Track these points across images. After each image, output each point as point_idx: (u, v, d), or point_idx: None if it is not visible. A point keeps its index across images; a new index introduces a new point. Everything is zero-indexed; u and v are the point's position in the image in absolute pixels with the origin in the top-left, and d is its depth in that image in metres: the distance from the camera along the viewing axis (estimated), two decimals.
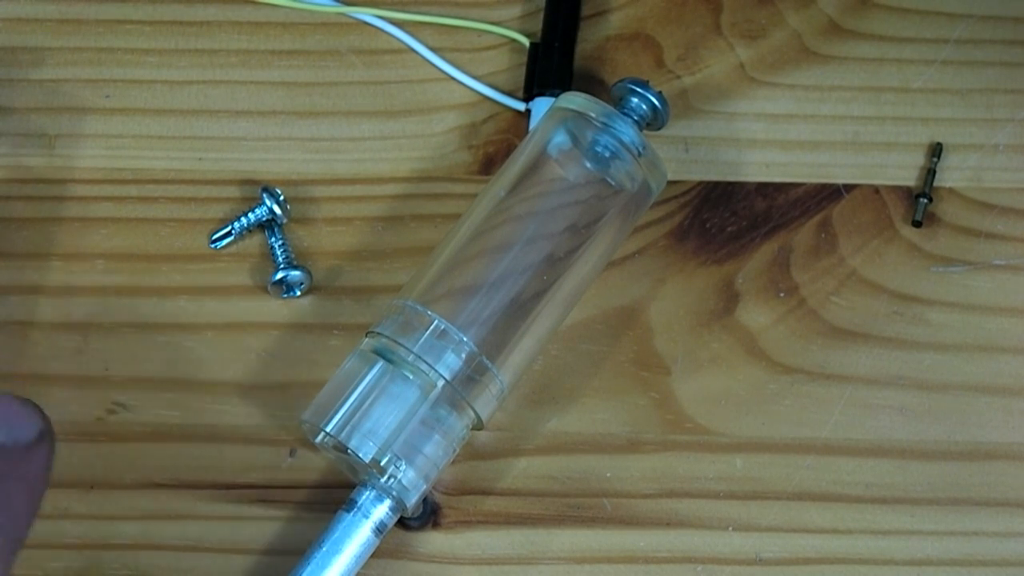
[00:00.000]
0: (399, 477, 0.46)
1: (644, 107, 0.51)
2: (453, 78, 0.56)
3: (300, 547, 0.47)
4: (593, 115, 0.50)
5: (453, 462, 0.49)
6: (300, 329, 0.52)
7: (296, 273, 0.52)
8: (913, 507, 0.50)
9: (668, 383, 0.52)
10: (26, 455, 0.37)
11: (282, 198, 0.53)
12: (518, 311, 0.48)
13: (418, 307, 0.48)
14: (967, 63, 0.56)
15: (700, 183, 0.54)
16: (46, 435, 0.38)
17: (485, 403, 0.48)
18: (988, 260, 0.53)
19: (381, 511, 0.47)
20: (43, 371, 0.52)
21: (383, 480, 0.47)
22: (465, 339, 0.47)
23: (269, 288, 0.52)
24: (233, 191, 0.54)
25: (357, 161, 0.55)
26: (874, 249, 0.53)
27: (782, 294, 0.53)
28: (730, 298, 0.53)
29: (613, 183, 0.50)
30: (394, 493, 0.47)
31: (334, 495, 0.49)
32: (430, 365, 0.47)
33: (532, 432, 0.51)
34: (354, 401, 0.46)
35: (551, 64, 0.55)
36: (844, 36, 0.57)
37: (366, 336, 0.48)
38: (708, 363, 0.52)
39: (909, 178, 0.55)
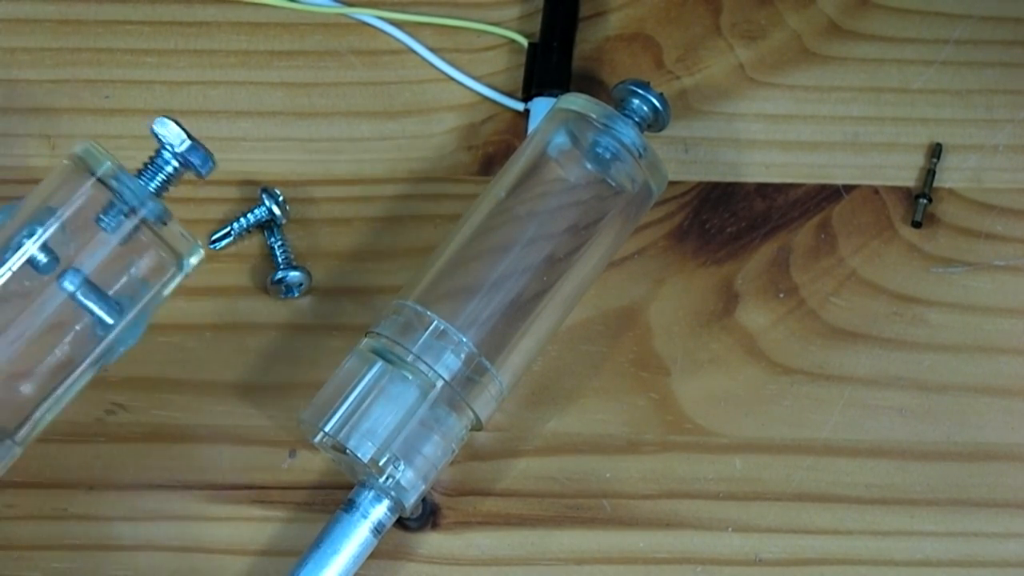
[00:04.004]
0: (398, 477, 0.46)
1: (645, 109, 0.51)
2: (452, 79, 0.56)
3: (299, 547, 0.47)
4: (594, 116, 0.50)
5: (452, 463, 0.49)
6: (299, 330, 0.52)
7: (295, 274, 0.52)
8: (913, 508, 0.50)
9: (667, 384, 0.52)
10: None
11: (281, 199, 0.53)
12: (518, 312, 0.48)
13: (418, 307, 0.48)
14: (967, 64, 0.56)
15: (700, 184, 0.54)
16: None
17: (484, 404, 0.48)
18: (988, 261, 0.53)
19: (379, 511, 0.47)
20: None
21: (382, 480, 0.46)
22: (464, 340, 0.47)
23: (268, 289, 0.52)
24: (232, 192, 0.54)
25: (356, 162, 0.55)
26: (874, 250, 0.53)
27: (782, 295, 0.53)
28: (730, 299, 0.53)
29: (614, 184, 0.50)
30: (393, 493, 0.47)
31: (333, 496, 0.49)
32: (429, 365, 0.47)
33: (531, 433, 0.51)
34: (353, 401, 0.46)
35: (550, 64, 0.55)
36: (844, 36, 0.57)
37: (365, 336, 0.48)
38: (707, 364, 0.52)
39: (909, 179, 0.55)
